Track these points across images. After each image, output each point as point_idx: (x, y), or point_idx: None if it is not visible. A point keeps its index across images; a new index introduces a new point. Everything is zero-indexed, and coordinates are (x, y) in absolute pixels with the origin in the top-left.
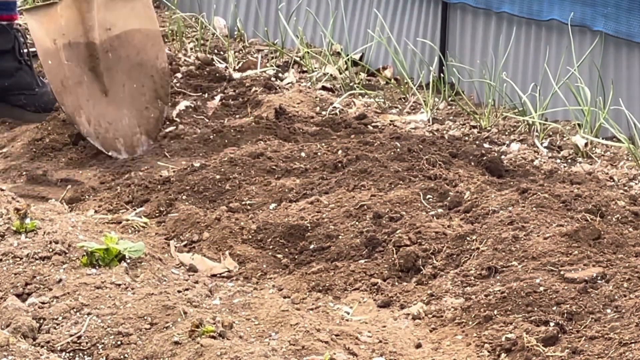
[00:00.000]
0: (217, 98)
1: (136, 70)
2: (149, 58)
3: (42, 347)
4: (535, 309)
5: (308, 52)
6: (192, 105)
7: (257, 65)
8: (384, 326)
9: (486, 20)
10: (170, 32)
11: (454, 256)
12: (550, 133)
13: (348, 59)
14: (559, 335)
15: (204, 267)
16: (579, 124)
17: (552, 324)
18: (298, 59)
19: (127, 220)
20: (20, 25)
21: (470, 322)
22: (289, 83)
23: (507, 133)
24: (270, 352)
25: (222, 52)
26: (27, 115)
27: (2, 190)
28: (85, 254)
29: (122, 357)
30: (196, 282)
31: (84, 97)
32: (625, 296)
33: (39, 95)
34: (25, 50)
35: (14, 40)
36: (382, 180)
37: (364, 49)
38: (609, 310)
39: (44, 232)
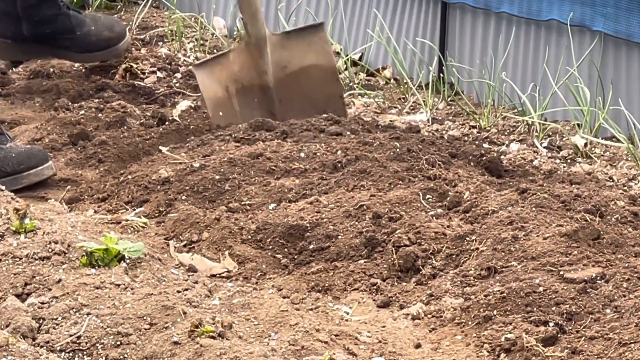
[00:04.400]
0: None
1: (311, 109)
2: (323, 95)
3: (42, 347)
4: (535, 309)
5: None
6: (193, 106)
7: None
8: (384, 326)
9: (485, 20)
10: (169, 32)
11: (454, 256)
12: (550, 133)
13: (347, 59)
14: (559, 335)
15: (204, 267)
16: (578, 124)
17: (551, 324)
18: None
19: (127, 220)
20: None
21: (469, 322)
22: None
23: (506, 133)
24: (270, 352)
25: None
26: (71, 56)
27: (2, 190)
28: (84, 254)
29: (121, 357)
30: (195, 282)
31: None
32: (624, 296)
33: (80, 37)
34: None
35: None
36: (382, 181)
37: (364, 49)
38: (608, 311)
39: (44, 232)
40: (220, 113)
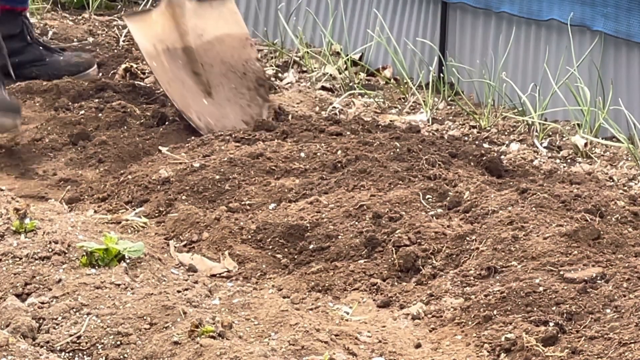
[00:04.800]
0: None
1: (231, 72)
2: (241, 60)
3: (42, 347)
4: (535, 309)
5: (307, 52)
6: None
7: None
8: (384, 326)
9: (486, 20)
10: None
11: (454, 256)
12: (550, 133)
13: (347, 59)
14: (559, 335)
15: (204, 267)
16: (578, 124)
17: (551, 324)
18: (297, 59)
19: (127, 220)
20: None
21: (469, 322)
22: (288, 83)
23: (506, 133)
24: (270, 352)
25: None
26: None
27: (2, 190)
28: (84, 254)
29: (121, 357)
30: (196, 282)
31: (190, 96)
32: (624, 296)
33: (50, 64)
34: (33, 34)
35: (21, 26)
36: (382, 180)
37: (364, 49)
38: (608, 310)
39: (44, 232)
40: (154, 64)
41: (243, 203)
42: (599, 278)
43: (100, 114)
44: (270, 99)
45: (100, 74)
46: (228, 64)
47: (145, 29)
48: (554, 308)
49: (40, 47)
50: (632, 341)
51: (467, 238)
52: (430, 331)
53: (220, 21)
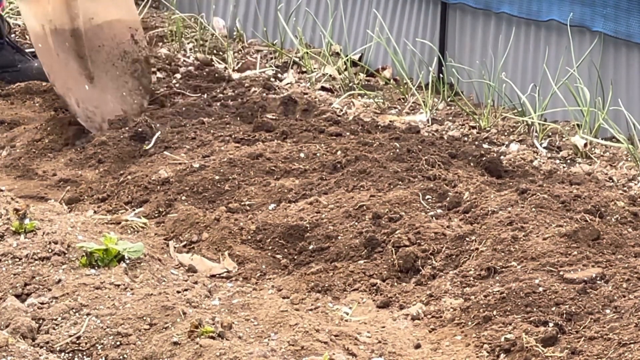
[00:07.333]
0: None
1: (118, 59)
2: (130, 48)
3: (42, 347)
4: (535, 309)
5: (307, 53)
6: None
7: (256, 66)
8: (383, 327)
9: (485, 21)
10: (169, 32)
11: (453, 257)
12: (550, 133)
13: (347, 60)
14: (558, 335)
15: (203, 268)
16: (578, 125)
17: (551, 324)
18: (297, 59)
19: (127, 220)
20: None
21: (469, 323)
22: (288, 83)
23: (506, 133)
24: (270, 352)
25: (221, 53)
26: None
27: (2, 190)
28: (84, 254)
29: (121, 357)
30: (195, 283)
31: (72, 81)
32: (624, 297)
33: (22, 70)
34: (8, 33)
35: None
36: (382, 181)
37: (363, 50)
38: (608, 311)
39: (43, 233)
40: (40, 45)
41: (243, 203)
42: (598, 278)
43: None
44: (151, 90)
45: None
46: (115, 50)
47: (35, 8)
48: (553, 308)
49: (14, 51)
50: (632, 341)
51: (467, 238)
52: (430, 331)
53: (112, 6)
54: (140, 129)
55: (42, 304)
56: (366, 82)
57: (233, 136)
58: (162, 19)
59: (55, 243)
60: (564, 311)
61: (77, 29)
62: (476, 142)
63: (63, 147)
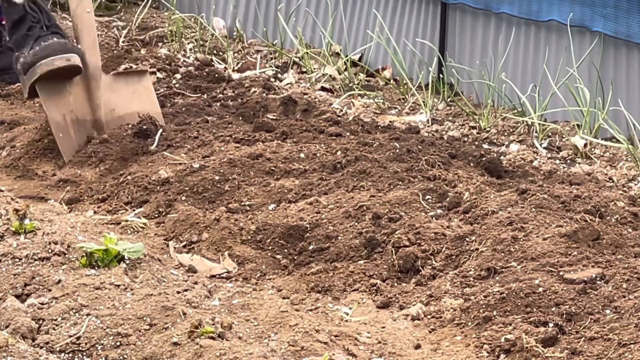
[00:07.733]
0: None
1: None
2: None
3: (42, 347)
4: (535, 309)
5: (307, 53)
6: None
7: (256, 66)
8: (383, 327)
9: (485, 21)
10: (169, 32)
11: (453, 257)
12: (550, 134)
13: (347, 60)
14: (558, 336)
15: (203, 268)
16: (578, 125)
17: (551, 324)
18: (297, 59)
19: (127, 221)
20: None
21: (469, 323)
22: (288, 84)
23: (506, 134)
24: (270, 352)
25: (221, 53)
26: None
27: (2, 190)
28: (84, 254)
29: (121, 357)
30: (195, 283)
31: None
32: (624, 297)
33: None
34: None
35: None
36: (381, 181)
37: (363, 50)
38: (608, 311)
39: (43, 233)
40: (61, 135)
41: (243, 204)
42: (598, 279)
43: None
44: None
45: None
46: None
47: (57, 99)
48: (553, 309)
49: (11, 55)
50: (632, 342)
51: (467, 239)
52: (430, 332)
53: (134, 98)
54: (144, 126)
55: (42, 304)
56: (366, 83)
57: (233, 136)
58: (162, 19)
59: (55, 243)
60: (564, 311)
61: (98, 119)
62: (476, 143)
63: None
